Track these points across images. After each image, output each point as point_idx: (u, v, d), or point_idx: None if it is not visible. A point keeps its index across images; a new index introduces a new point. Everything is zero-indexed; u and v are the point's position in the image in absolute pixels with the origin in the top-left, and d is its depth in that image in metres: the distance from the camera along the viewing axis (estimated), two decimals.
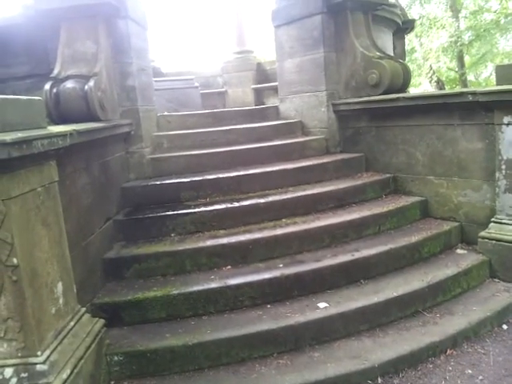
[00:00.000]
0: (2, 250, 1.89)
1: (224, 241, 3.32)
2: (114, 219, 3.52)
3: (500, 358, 2.68)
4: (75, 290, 2.43)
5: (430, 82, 16.70)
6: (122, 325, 2.82)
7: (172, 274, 3.19)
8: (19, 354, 1.98)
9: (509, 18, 15.42)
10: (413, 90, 16.73)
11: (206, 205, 3.69)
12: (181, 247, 3.28)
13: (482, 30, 15.98)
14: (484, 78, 19.76)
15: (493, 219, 3.53)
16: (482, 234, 3.54)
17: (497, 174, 3.46)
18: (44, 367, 1.97)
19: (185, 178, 3.94)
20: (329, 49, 4.69)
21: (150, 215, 3.56)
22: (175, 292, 2.89)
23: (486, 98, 3.35)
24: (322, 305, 2.88)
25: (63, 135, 2.26)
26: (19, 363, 1.97)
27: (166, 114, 5.13)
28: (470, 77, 19.36)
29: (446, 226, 3.77)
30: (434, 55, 16.86)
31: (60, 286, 2.24)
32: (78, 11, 3.64)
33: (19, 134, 1.84)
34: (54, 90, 3.42)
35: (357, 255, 3.25)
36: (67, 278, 2.34)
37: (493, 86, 3.44)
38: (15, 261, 1.90)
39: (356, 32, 4.64)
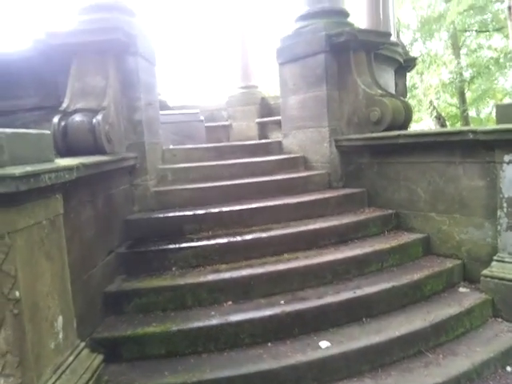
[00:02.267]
0: (5, 283, 1.88)
1: (226, 275, 3.30)
2: (117, 252, 3.51)
3: None
4: (75, 325, 2.41)
5: (431, 117, 16.95)
6: (121, 361, 2.78)
7: (172, 309, 3.16)
8: None
9: (508, 56, 15.78)
10: (414, 126, 16.97)
11: (208, 238, 3.69)
12: (182, 282, 3.25)
13: (482, 67, 16.35)
14: (486, 114, 19.96)
15: (495, 257, 3.51)
16: (485, 272, 3.52)
17: (498, 212, 3.47)
18: None
19: (188, 210, 3.95)
20: (331, 86, 4.78)
21: (152, 248, 3.56)
22: (175, 328, 2.86)
23: (487, 137, 3.40)
24: (323, 344, 2.84)
25: (70, 169, 2.30)
26: None
27: (171, 147, 5.20)
28: (472, 113, 19.61)
29: (449, 264, 3.75)
30: (433, 91, 17.16)
31: (60, 320, 2.22)
32: (89, 47, 3.75)
33: (27, 168, 1.87)
34: (63, 123, 3.47)
35: (359, 293, 3.22)
36: (68, 312, 2.33)
37: (493, 125, 3.49)
38: (17, 294, 1.90)
39: (358, 70, 4.75)
